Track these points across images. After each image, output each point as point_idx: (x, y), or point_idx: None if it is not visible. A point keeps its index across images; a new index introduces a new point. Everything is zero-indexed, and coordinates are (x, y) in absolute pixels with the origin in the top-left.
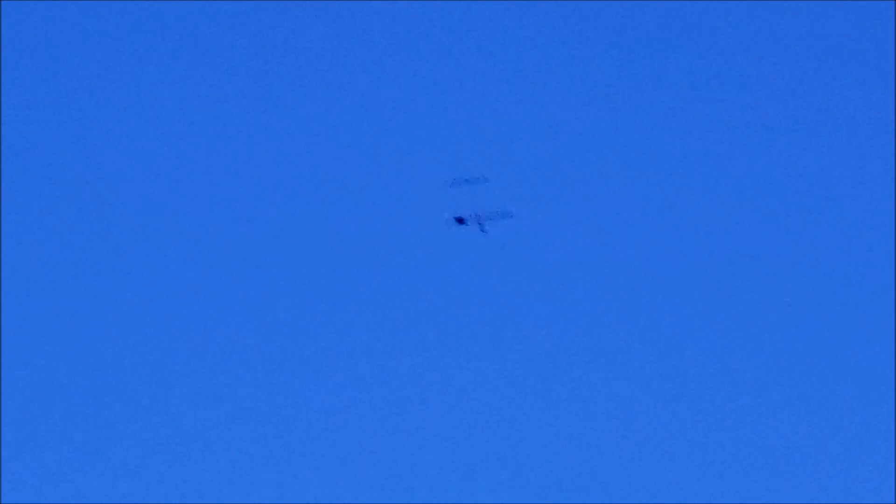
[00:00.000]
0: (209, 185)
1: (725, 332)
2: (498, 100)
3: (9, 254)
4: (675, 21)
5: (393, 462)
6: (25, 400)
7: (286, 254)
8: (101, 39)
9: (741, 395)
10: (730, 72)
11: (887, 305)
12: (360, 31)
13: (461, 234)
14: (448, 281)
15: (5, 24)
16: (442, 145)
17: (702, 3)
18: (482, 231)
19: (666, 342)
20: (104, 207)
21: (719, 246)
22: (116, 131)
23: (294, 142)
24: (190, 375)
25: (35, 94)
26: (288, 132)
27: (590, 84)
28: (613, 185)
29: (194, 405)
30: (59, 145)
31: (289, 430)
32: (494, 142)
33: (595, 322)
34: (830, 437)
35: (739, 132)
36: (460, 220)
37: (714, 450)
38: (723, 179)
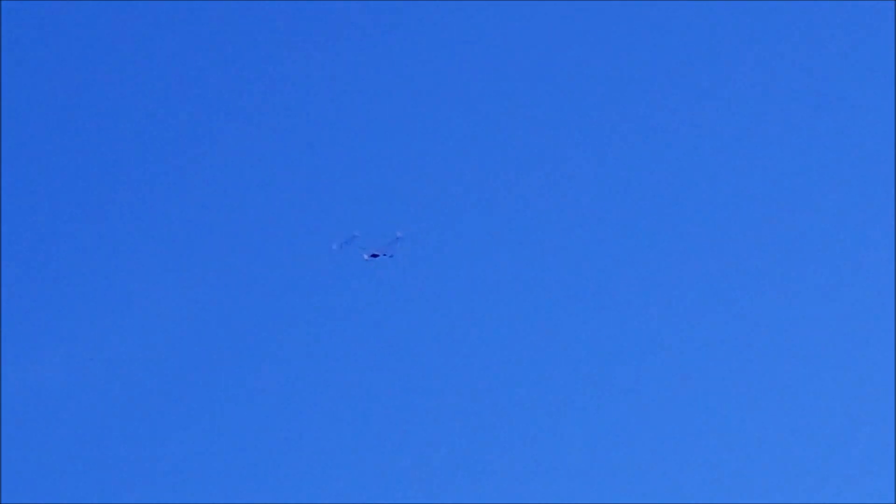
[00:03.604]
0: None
1: (722, 331)
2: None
3: (9, 254)
4: (663, 21)
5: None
6: (25, 397)
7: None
8: (101, 39)
9: (740, 394)
10: (728, 72)
11: (887, 304)
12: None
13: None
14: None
15: (5, 25)
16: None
17: (702, 3)
18: (391, 257)
19: (661, 342)
20: (104, 207)
21: (714, 246)
22: (116, 131)
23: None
24: (189, 374)
25: (35, 95)
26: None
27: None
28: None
29: (194, 405)
30: (59, 145)
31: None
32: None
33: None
34: (830, 437)
35: (733, 133)
36: (374, 255)
37: (714, 450)
38: (715, 178)
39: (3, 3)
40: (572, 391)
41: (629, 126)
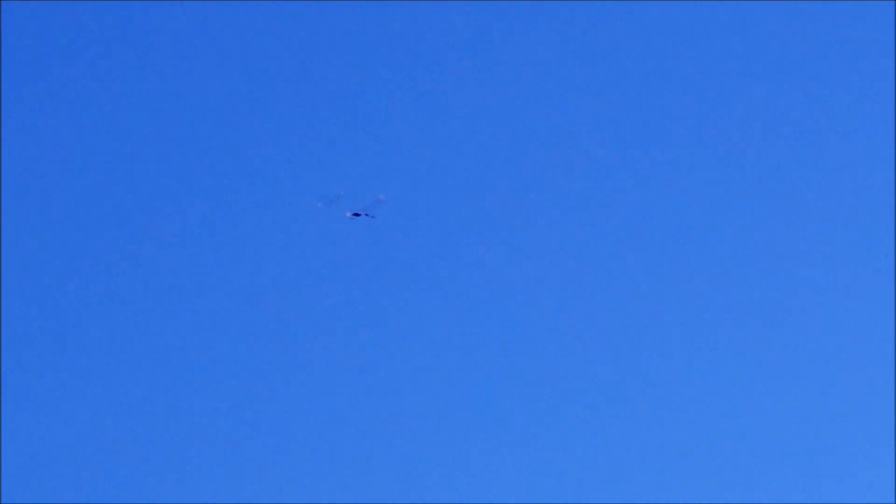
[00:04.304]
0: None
1: (721, 331)
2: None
3: (9, 254)
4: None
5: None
6: (25, 400)
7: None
8: (101, 39)
9: (740, 394)
10: (728, 72)
11: (887, 304)
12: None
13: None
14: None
15: (5, 25)
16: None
17: (701, 3)
18: (371, 217)
19: (661, 342)
20: (104, 208)
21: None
22: (117, 131)
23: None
24: (188, 376)
25: (35, 95)
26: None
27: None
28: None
29: (195, 405)
30: (59, 145)
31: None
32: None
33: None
34: (830, 437)
35: (733, 133)
36: (356, 214)
37: (714, 450)
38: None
39: (2, 3)
40: (564, 385)
41: (625, 125)
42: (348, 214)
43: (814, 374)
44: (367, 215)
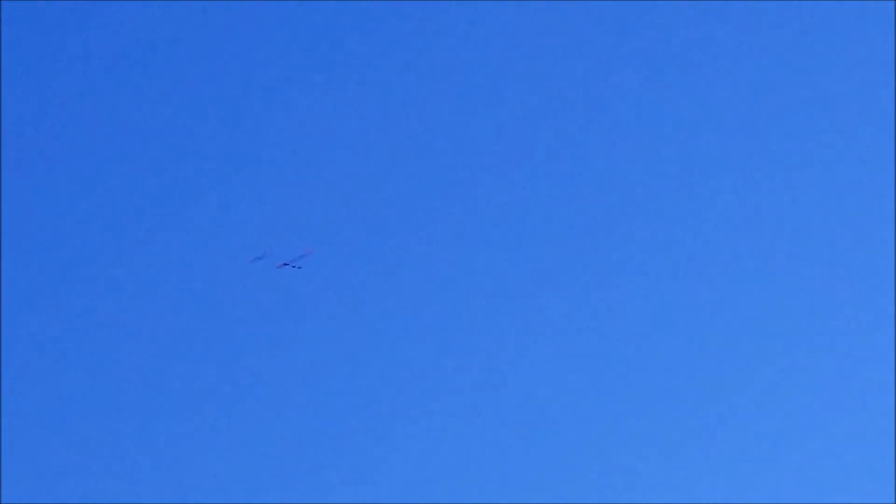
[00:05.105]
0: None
1: (721, 331)
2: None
3: (9, 254)
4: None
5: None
6: (25, 400)
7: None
8: (100, 39)
9: (740, 395)
10: (729, 72)
11: (887, 304)
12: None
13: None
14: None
15: (5, 25)
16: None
17: (702, 3)
18: (299, 268)
19: (662, 341)
20: (104, 208)
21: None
22: (117, 131)
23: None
24: (188, 376)
25: (35, 94)
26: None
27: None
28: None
29: (194, 406)
30: (59, 145)
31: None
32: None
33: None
34: (830, 437)
35: (733, 133)
36: (285, 265)
37: (713, 450)
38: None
39: (2, 2)
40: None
41: (624, 127)
42: (277, 265)
43: (814, 374)
44: (294, 266)
